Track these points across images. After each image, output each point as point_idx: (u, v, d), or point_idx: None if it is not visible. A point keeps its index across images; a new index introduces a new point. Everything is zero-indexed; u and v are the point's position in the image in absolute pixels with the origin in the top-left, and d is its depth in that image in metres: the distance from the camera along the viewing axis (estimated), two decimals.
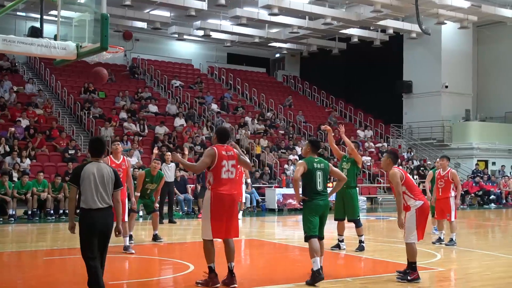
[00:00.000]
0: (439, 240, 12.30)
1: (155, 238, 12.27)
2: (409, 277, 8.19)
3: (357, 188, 11.44)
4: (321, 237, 8.27)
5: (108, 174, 6.66)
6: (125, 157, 10.98)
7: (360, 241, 11.09)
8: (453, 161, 30.42)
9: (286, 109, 32.74)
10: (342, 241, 11.22)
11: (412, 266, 8.27)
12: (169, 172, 17.02)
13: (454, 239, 12.09)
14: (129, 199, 10.93)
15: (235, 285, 7.61)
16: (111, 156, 10.67)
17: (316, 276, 7.88)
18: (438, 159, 12.96)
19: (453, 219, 12.13)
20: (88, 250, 6.51)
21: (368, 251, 11.13)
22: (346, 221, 11.20)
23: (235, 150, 7.87)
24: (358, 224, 11.09)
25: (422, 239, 8.44)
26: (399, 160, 28.73)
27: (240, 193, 15.54)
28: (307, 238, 8.10)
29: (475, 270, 9.45)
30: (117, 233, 6.85)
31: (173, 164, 17.23)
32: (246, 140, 26.74)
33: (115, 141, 12.65)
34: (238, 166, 7.89)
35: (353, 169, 11.07)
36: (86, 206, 6.52)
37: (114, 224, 6.81)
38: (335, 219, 11.19)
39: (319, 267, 7.90)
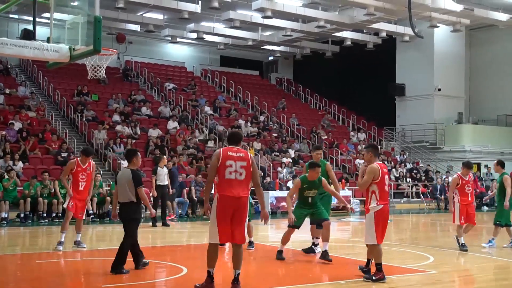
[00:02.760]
0: (460, 245, 11.91)
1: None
2: (374, 277, 8.34)
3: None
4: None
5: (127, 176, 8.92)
6: (91, 161, 11.65)
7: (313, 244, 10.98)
8: (446, 164, 30.58)
9: (279, 112, 32.75)
10: (317, 245, 11.03)
11: (377, 267, 8.39)
12: (163, 176, 16.99)
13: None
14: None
15: None
16: (78, 159, 11.56)
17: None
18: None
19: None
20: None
21: (362, 253, 11.11)
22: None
23: (249, 154, 7.65)
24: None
25: (381, 243, 8.45)
26: (393, 163, 28.87)
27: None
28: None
29: (468, 273, 9.47)
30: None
31: (166, 168, 17.19)
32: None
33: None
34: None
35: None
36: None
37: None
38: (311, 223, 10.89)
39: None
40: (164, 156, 17.85)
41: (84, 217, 11.74)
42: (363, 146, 29.58)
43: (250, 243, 11.73)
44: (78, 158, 11.66)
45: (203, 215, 7.83)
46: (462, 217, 11.96)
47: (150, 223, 16.72)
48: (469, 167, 12.27)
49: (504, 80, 33.08)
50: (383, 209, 8.43)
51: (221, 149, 7.59)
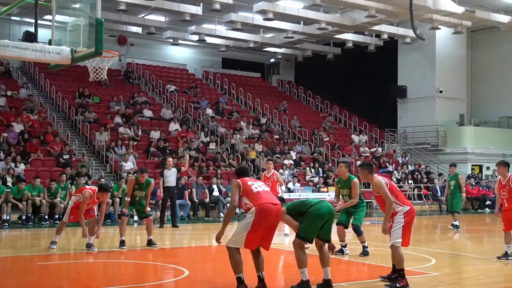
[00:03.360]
0: (506, 255, 10.68)
1: (150, 243, 12.23)
2: (397, 284, 7.99)
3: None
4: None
5: None
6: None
7: (364, 246, 11.13)
8: (447, 166, 30.50)
9: (281, 114, 32.76)
10: (345, 246, 11.24)
11: (400, 273, 8.08)
12: (170, 178, 16.97)
13: None
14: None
15: None
16: (94, 193, 11.62)
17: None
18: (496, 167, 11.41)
19: None
20: None
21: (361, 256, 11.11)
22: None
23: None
24: (358, 233, 11.11)
25: (408, 245, 8.23)
26: (394, 165, 28.85)
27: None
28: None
29: (470, 275, 9.46)
30: None
31: (174, 169, 17.18)
32: (241, 145, 26.73)
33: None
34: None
35: (351, 192, 10.97)
36: None
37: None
38: (337, 224, 11.10)
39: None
40: (170, 158, 17.86)
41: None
42: (378, 155, 29.60)
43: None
44: (95, 192, 11.63)
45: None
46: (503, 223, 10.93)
47: (158, 225, 16.73)
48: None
49: (505, 82, 33.05)
50: (411, 210, 8.13)
51: (239, 180, 7.70)
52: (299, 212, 7.73)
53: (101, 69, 11.42)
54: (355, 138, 31.80)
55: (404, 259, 8.10)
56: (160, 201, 17.95)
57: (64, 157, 21.51)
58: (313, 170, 26.02)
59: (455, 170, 17.58)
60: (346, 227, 11.18)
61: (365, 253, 11.07)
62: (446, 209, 18.72)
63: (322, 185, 24.01)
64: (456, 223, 17.25)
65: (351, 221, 11.24)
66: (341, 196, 11.11)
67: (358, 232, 11.11)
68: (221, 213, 20.53)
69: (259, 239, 7.49)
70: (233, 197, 7.60)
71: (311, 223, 7.58)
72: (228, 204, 21.57)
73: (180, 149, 24.35)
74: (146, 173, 12.17)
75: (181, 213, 19.86)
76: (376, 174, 8.36)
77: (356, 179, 10.69)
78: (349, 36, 32.61)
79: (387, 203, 8.03)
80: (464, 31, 31.73)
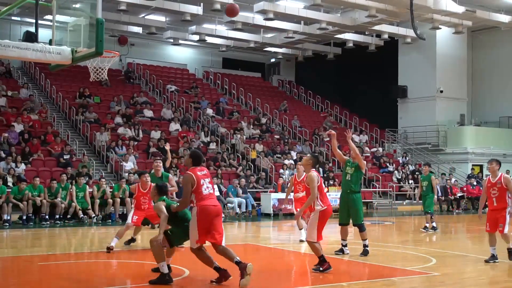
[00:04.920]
0: (494, 258, 10.38)
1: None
2: (321, 268, 9.10)
3: (361, 193, 11.38)
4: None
5: None
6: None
7: (364, 245, 11.10)
8: (448, 165, 30.55)
9: (282, 114, 32.77)
10: (345, 245, 11.25)
11: (321, 260, 9.11)
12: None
13: None
14: None
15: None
16: (138, 184, 11.75)
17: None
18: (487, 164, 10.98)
19: (506, 231, 10.39)
20: None
21: (368, 256, 11.11)
22: (350, 225, 11.31)
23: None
24: (362, 229, 11.06)
25: (321, 240, 9.20)
26: (395, 165, 28.84)
27: None
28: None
29: (470, 275, 9.46)
30: None
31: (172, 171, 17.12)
32: (242, 145, 26.74)
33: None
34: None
35: (356, 174, 11.07)
36: None
37: None
38: (340, 224, 11.26)
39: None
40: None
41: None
42: (379, 155, 29.61)
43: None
44: (139, 184, 11.72)
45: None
46: (487, 224, 10.52)
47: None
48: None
49: (506, 82, 33.06)
50: (327, 210, 9.25)
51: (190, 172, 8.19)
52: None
53: (102, 69, 11.42)
54: (355, 138, 31.76)
55: (321, 249, 9.16)
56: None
57: (65, 157, 21.53)
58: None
59: (428, 170, 16.91)
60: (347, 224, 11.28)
61: (365, 252, 11.05)
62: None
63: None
64: (429, 225, 16.44)
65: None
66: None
67: (361, 228, 11.08)
68: (222, 214, 20.46)
69: (208, 235, 8.08)
70: (186, 194, 8.06)
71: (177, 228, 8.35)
72: (229, 204, 21.61)
73: (180, 149, 24.35)
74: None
75: None
76: (314, 169, 9.44)
77: (313, 173, 9.47)
78: (349, 36, 32.62)
79: (310, 196, 9.24)
80: (465, 31, 31.71)
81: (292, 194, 13.52)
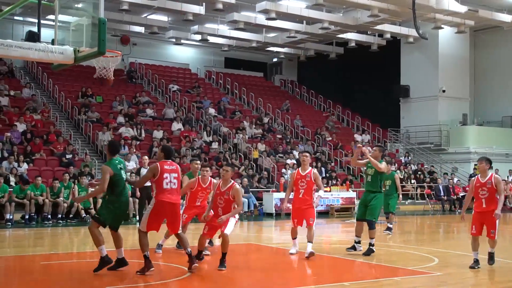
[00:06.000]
0: (477, 262, 9.82)
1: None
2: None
3: (382, 193, 11.64)
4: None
5: None
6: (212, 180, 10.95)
7: (370, 244, 11.14)
8: (451, 165, 30.52)
9: (284, 113, 32.76)
10: (358, 242, 11.37)
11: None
12: None
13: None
14: None
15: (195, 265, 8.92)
16: (199, 178, 10.95)
17: (105, 261, 8.88)
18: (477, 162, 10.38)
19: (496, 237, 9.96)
20: None
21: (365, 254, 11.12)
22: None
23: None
24: (371, 226, 11.14)
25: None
26: (397, 165, 28.82)
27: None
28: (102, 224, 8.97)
29: (472, 275, 9.46)
30: None
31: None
32: (244, 145, 26.75)
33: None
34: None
35: (376, 175, 11.36)
36: None
37: None
38: (356, 219, 11.62)
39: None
40: (145, 156, 17.70)
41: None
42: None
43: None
44: (199, 178, 10.92)
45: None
46: (473, 226, 9.95)
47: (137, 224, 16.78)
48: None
49: (508, 81, 33.02)
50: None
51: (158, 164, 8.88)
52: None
53: (107, 69, 11.43)
54: (357, 137, 31.77)
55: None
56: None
57: (67, 156, 21.55)
58: (314, 170, 25.96)
59: (390, 169, 15.63)
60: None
61: (368, 251, 11.03)
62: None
63: (325, 185, 23.99)
64: (391, 226, 15.74)
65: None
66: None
67: (370, 225, 11.15)
68: None
69: (158, 225, 8.89)
70: (143, 178, 9.13)
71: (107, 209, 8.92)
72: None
73: (182, 148, 24.37)
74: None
75: None
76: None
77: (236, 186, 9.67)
78: (351, 36, 32.60)
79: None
80: (467, 30, 31.68)
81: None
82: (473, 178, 10.32)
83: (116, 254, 8.95)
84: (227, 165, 9.91)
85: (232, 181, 9.55)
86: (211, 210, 9.67)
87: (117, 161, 8.96)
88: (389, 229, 15.61)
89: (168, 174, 8.74)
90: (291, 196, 11.08)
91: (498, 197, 9.79)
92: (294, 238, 11.03)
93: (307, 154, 11.15)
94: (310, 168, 11.00)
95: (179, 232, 9.01)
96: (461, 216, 10.31)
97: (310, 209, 10.74)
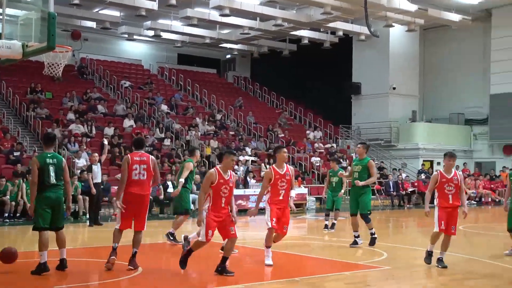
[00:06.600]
0: (430, 256, 9.80)
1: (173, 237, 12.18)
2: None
3: (370, 188, 12.15)
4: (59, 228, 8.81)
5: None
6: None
7: (371, 234, 11.81)
8: (400, 161, 31.11)
9: (237, 110, 32.79)
10: (358, 236, 11.85)
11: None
12: (97, 173, 16.48)
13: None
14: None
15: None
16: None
17: (42, 269, 8.50)
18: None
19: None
20: None
21: (316, 250, 11.26)
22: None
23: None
24: (366, 220, 11.75)
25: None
26: (348, 161, 29.19)
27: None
28: (36, 229, 8.64)
29: (421, 268, 9.67)
30: None
31: (99, 165, 16.73)
32: (196, 141, 26.65)
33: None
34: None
35: (363, 171, 11.80)
36: None
37: None
38: (351, 215, 12.00)
39: (46, 260, 8.50)
40: (95, 153, 17.47)
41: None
42: (333, 151, 29.90)
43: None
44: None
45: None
46: (442, 222, 9.63)
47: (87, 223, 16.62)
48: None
49: (456, 79, 33.88)
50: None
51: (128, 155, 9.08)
52: None
53: (57, 65, 11.22)
54: (310, 134, 32.06)
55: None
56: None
57: (15, 154, 21.07)
58: (268, 166, 26.07)
59: (336, 165, 15.52)
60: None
61: (372, 241, 11.72)
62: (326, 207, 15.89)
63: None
64: (335, 221, 15.37)
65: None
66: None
67: (365, 219, 11.73)
68: None
69: (131, 221, 8.96)
70: (123, 171, 8.91)
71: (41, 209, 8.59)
72: None
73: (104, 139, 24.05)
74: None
75: None
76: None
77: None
78: (304, 33, 32.86)
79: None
80: (417, 29, 32.38)
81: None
82: (436, 173, 9.88)
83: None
84: (231, 152, 9.10)
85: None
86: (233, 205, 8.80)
87: (49, 155, 8.73)
88: (332, 225, 15.31)
89: (137, 165, 8.82)
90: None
91: (461, 193, 9.69)
92: (269, 246, 9.60)
93: (286, 150, 9.97)
94: (285, 165, 9.70)
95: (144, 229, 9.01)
96: (426, 212, 9.72)
97: (288, 214, 9.73)
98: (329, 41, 33.85)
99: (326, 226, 15.38)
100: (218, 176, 8.47)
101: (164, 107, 29.61)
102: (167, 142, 26.12)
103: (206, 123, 29.29)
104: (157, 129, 27.01)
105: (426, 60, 35.61)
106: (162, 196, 20.62)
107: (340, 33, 31.92)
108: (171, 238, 12.03)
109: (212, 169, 8.70)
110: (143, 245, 12.05)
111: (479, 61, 33.34)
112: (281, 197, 9.48)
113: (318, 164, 27.99)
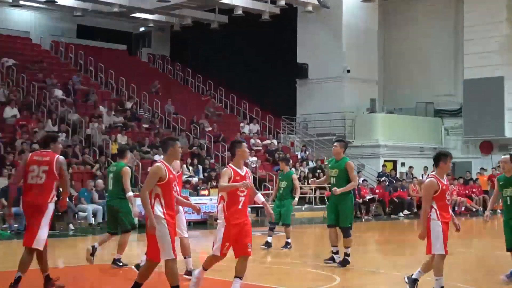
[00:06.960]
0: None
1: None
2: None
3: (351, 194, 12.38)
4: None
5: None
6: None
7: (345, 254, 11.93)
8: (356, 161, 31.14)
9: (152, 96, 32.45)
10: (336, 253, 12.13)
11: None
12: None
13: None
14: None
15: None
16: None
17: None
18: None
19: None
20: None
21: (254, 274, 10.90)
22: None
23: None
24: (346, 234, 12.02)
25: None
26: (292, 161, 29.04)
27: None
28: None
29: None
30: None
31: None
32: (100, 137, 26.19)
33: None
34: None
35: (340, 175, 12.01)
36: None
37: None
38: (328, 226, 12.25)
39: None
40: None
41: None
42: (273, 149, 29.67)
43: None
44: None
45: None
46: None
47: None
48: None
49: (423, 63, 34.35)
50: None
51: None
52: None
53: None
54: (244, 127, 31.82)
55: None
56: None
57: None
58: (191, 168, 25.72)
59: (286, 167, 15.44)
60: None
61: (344, 262, 11.87)
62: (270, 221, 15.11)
63: (203, 187, 23.70)
64: (289, 240, 14.97)
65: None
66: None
67: (345, 233, 12.00)
68: (71, 225, 19.60)
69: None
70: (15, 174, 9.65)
71: None
72: (80, 213, 20.86)
73: (18, 141, 23.31)
74: None
75: (16, 225, 18.65)
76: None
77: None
78: (238, 2, 32.58)
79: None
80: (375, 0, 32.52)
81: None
82: (432, 179, 9.03)
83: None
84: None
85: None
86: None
87: None
88: (286, 245, 14.98)
89: (36, 166, 8.78)
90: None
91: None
92: (206, 268, 9.09)
93: (246, 145, 9.25)
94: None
95: (36, 247, 8.76)
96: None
97: (250, 228, 9.01)
98: (269, 12, 33.61)
99: (267, 243, 14.93)
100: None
101: (59, 93, 29.06)
102: (62, 137, 25.33)
103: (113, 113, 28.87)
104: (49, 121, 26.42)
105: (387, 39, 35.96)
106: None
107: (282, 2, 31.80)
108: (120, 264, 11.97)
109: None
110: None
111: (450, 39, 33.86)
112: (240, 206, 8.77)
113: (254, 166, 27.69)
